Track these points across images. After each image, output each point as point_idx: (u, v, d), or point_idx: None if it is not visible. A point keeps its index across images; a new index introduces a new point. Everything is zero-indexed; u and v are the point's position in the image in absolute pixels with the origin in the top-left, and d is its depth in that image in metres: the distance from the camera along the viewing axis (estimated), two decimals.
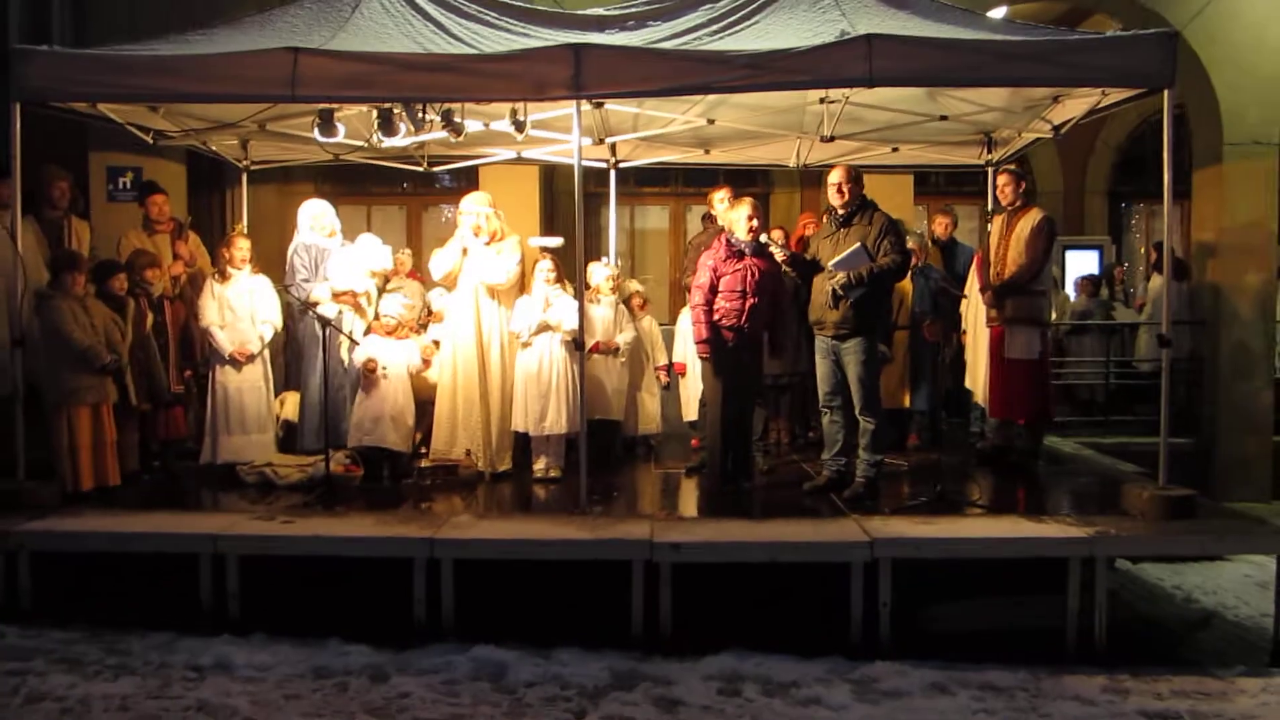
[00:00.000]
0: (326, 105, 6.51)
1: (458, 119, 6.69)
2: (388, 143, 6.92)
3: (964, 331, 7.93)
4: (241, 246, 7.27)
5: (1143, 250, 13.56)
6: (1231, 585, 6.84)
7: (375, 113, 6.72)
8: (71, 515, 5.91)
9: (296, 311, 7.40)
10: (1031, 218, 6.86)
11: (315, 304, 7.03)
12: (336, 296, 7.19)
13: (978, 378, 7.66)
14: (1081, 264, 12.15)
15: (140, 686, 4.73)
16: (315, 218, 7.51)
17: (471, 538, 5.52)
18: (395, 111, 6.53)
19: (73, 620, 5.46)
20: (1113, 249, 12.93)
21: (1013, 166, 7.35)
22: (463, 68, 5.80)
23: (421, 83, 5.87)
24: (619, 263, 9.32)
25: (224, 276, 7.16)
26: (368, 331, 7.18)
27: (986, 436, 7.89)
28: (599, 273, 7.50)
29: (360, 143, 7.66)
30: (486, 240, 6.94)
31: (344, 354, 7.19)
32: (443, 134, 6.89)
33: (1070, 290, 11.54)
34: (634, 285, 8.12)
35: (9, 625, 5.38)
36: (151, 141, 7.60)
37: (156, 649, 5.16)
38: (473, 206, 6.98)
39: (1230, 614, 6.31)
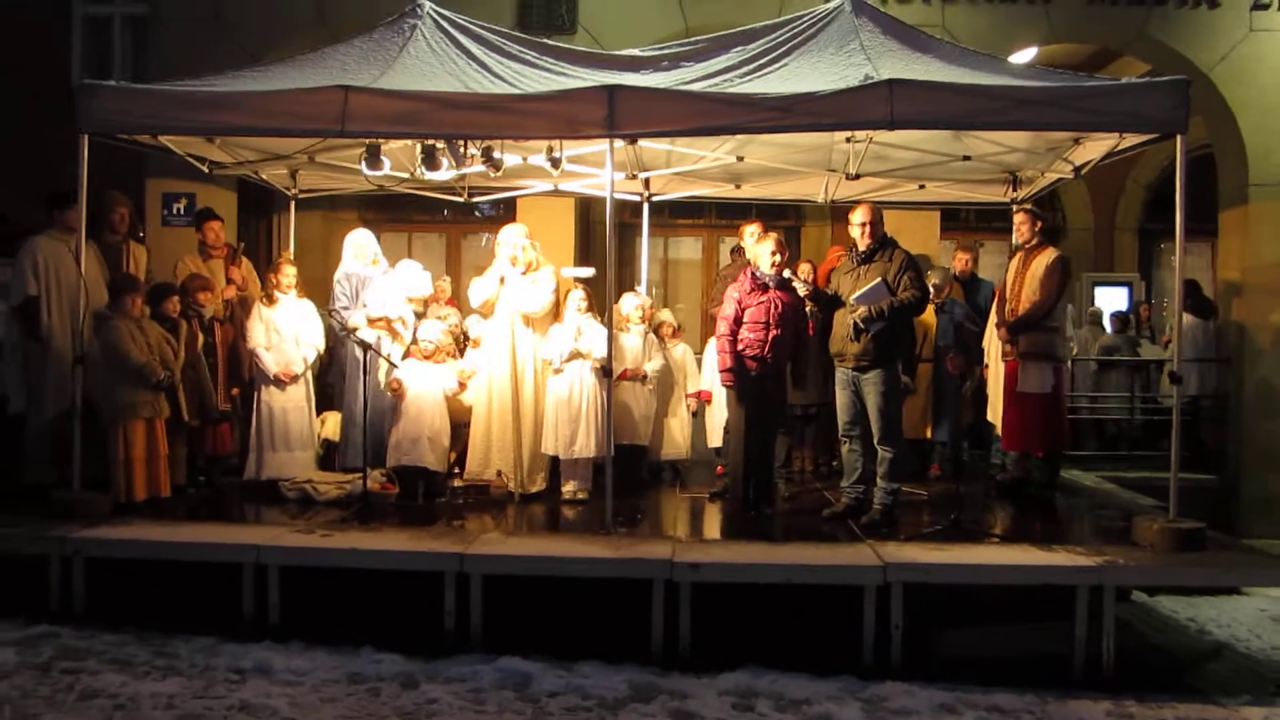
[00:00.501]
0: (374, 140, 6.83)
1: (497, 155, 7.01)
2: (430, 176, 7.22)
3: (986, 365, 8.11)
4: (288, 272, 7.59)
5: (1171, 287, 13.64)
6: (1245, 619, 6.96)
7: (419, 147, 7.04)
8: (124, 524, 6.23)
9: (338, 335, 7.72)
10: (1046, 256, 7.06)
11: (355, 329, 7.35)
12: (372, 322, 7.50)
13: (999, 410, 7.83)
14: (1111, 300, 12.29)
15: (186, 687, 5.01)
16: (358, 247, 7.86)
17: (500, 554, 5.77)
18: (438, 147, 6.85)
19: (123, 623, 5.76)
20: (1142, 286, 13.04)
21: (1029, 206, 7.54)
22: (502, 106, 6.11)
23: (463, 120, 6.18)
24: (653, 291, 9.57)
25: (271, 300, 7.49)
26: (406, 355, 7.48)
27: (1006, 468, 8.05)
28: (629, 303, 7.76)
29: (404, 174, 7.98)
30: (523, 270, 7.24)
31: (381, 377, 7.48)
32: (482, 168, 7.19)
33: (1106, 324, 11.66)
34: (664, 315, 8.37)
35: (64, 626, 5.69)
36: (207, 171, 7.98)
37: (201, 652, 5.45)
38: (510, 237, 7.28)
39: (1241, 646, 6.42)
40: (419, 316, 7.71)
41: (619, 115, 5.97)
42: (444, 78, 6.47)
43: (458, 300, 8.82)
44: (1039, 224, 7.26)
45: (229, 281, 7.88)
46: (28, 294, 7.14)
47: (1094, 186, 12.76)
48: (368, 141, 6.87)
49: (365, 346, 7.04)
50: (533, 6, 9.92)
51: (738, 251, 8.36)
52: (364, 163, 7.05)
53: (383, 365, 7.42)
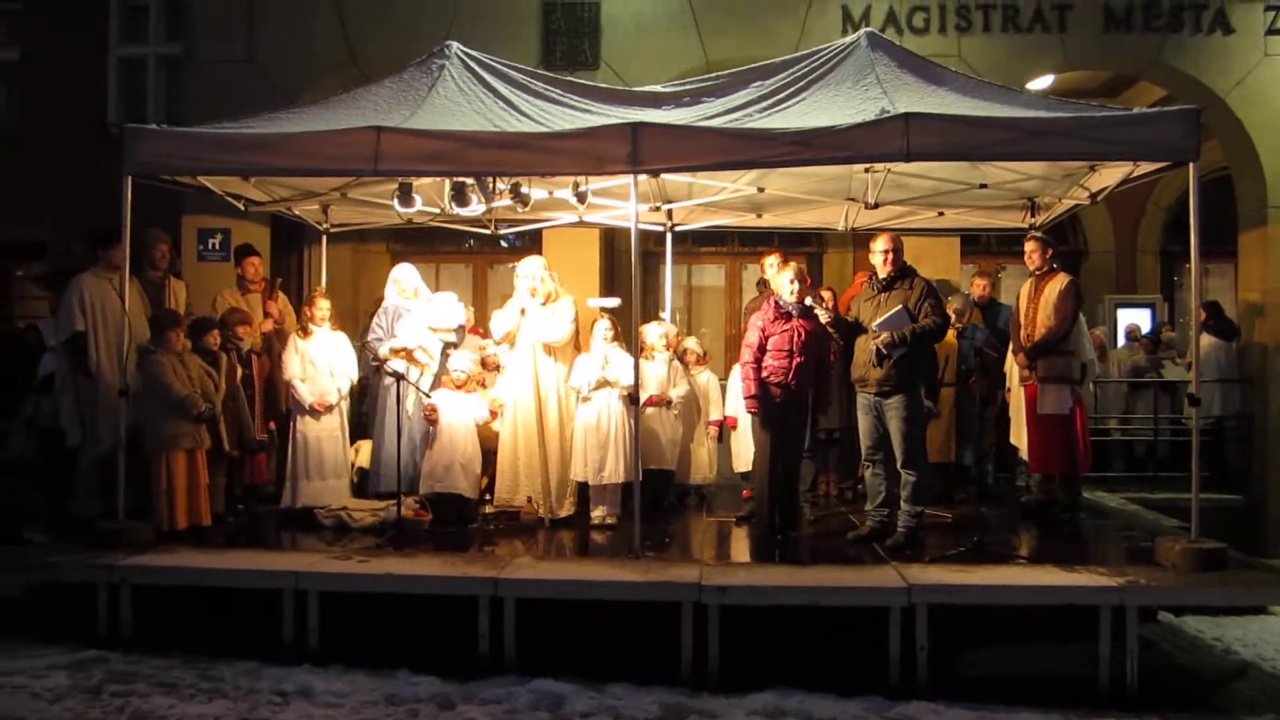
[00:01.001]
0: (405, 179, 7.05)
1: (525, 190, 7.21)
2: (460, 212, 7.43)
3: (1008, 389, 8.21)
4: (322, 306, 7.81)
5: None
6: (1272, 638, 7.02)
7: (449, 184, 7.26)
8: (167, 552, 6.43)
9: (372, 365, 7.93)
10: (1058, 282, 7.21)
11: (385, 359, 7.56)
12: (394, 352, 7.70)
13: (1021, 434, 7.93)
14: (1138, 322, 12.35)
15: (231, 709, 5.18)
16: (398, 282, 8.08)
17: (533, 578, 5.93)
18: (468, 184, 7.07)
19: (168, 648, 5.95)
20: (1164, 307, 13.09)
21: (1039, 234, 7.67)
22: (530, 144, 6.30)
23: (491, 158, 6.39)
24: (676, 318, 9.73)
25: (306, 333, 7.71)
26: (435, 385, 7.66)
27: (1031, 490, 8.12)
28: (653, 331, 7.92)
29: (434, 210, 8.20)
30: (542, 301, 7.43)
31: (410, 406, 7.66)
32: (509, 202, 7.40)
33: (1121, 340, 11.73)
34: (689, 343, 8.53)
35: (112, 651, 5.89)
36: (244, 209, 8.23)
37: (244, 675, 5.62)
38: (529, 269, 7.49)
39: (1267, 665, 6.48)
40: (454, 347, 7.88)
41: (643, 151, 6.16)
42: (472, 116, 6.66)
43: (481, 329, 9.02)
44: (1049, 251, 7.41)
45: (266, 315, 8.12)
46: (75, 329, 7.39)
47: (1115, 209, 12.85)
48: (399, 180, 7.08)
49: (397, 377, 7.23)
50: (557, 43, 10.17)
51: (763, 285, 8.51)
52: (396, 200, 7.29)
53: (413, 394, 7.60)
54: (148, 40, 12.68)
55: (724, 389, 8.46)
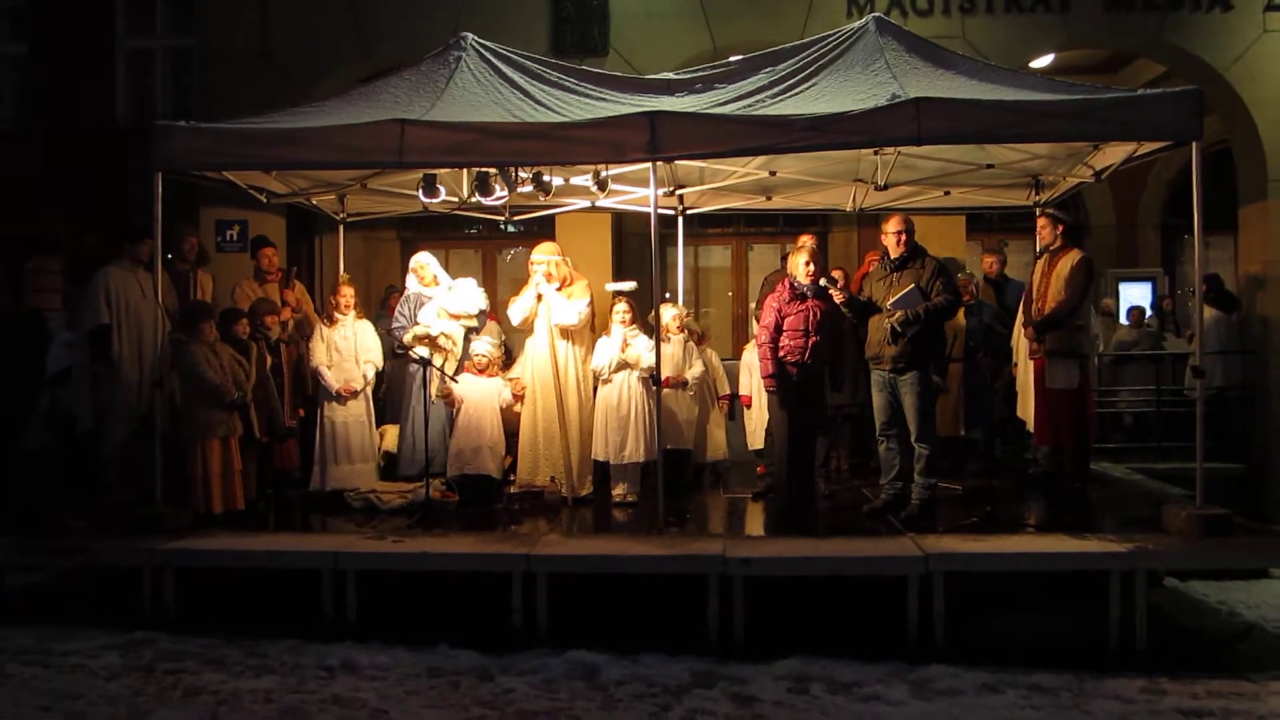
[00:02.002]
0: (429, 170, 7.22)
1: (546, 178, 7.39)
2: (485, 201, 7.59)
3: (1015, 364, 8.42)
4: (345, 294, 8.01)
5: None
6: (1275, 600, 7.24)
7: (473, 175, 7.43)
8: (205, 536, 6.64)
9: (396, 351, 8.12)
10: (1071, 258, 7.38)
11: (410, 346, 7.75)
12: (418, 339, 7.88)
13: (1028, 407, 8.13)
14: (1135, 296, 12.54)
15: (280, 683, 5.40)
16: (416, 270, 8.25)
17: (563, 554, 6.16)
18: (492, 174, 7.24)
19: (211, 627, 6.17)
20: (1165, 280, 13.28)
21: (1050, 210, 7.84)
22: (551, 134, 6.48)
23: (515, 149, 6.57)
24: (679, 300, 9.88)
25: (331, 321, 7.91)
26: (458, 370, 7.86)
27: (1038, 462, 8.33)
28: (666, 313, 8.10)
29: (454, 199, 8.35)
30: (558, 286, 7.62)
31: (433, 391, 7.84)
32: (529, 190, 7.57)
33: (1123, 318, 11.92)
34: (693, 323, 8.70)
35: (158, 632, 6.10)
36: (265, 201, 8.39)
37: (288, 652, 5.85)
38: (543, 256, 7.69)
39: (1271, 626, 6.69)
40: (475, 333, 8.06)
41: (661, 139, 6.34)
42: (490, 107, 6.84)
43: (495, 314, 9.20)
44: (1060, 227, 7.58)
45: (284, 304, 8.30)
46: (100, 322, 7.59)
47: (1116, 185, 13.00)
48: (425, 172, 7.25)
49: (423, 363, 7.43)
50: (566, 30, 10.29)
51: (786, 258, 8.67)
52: (421, 191, 7.47)
53: (437, 379, 7.79)
54: (155, 33, 12.76)
55: (733, 369, 8.64)
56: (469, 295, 8.19)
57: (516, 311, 7.72)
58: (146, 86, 12.88)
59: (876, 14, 7.36)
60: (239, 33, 10.56)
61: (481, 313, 8.10)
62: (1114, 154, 7.42)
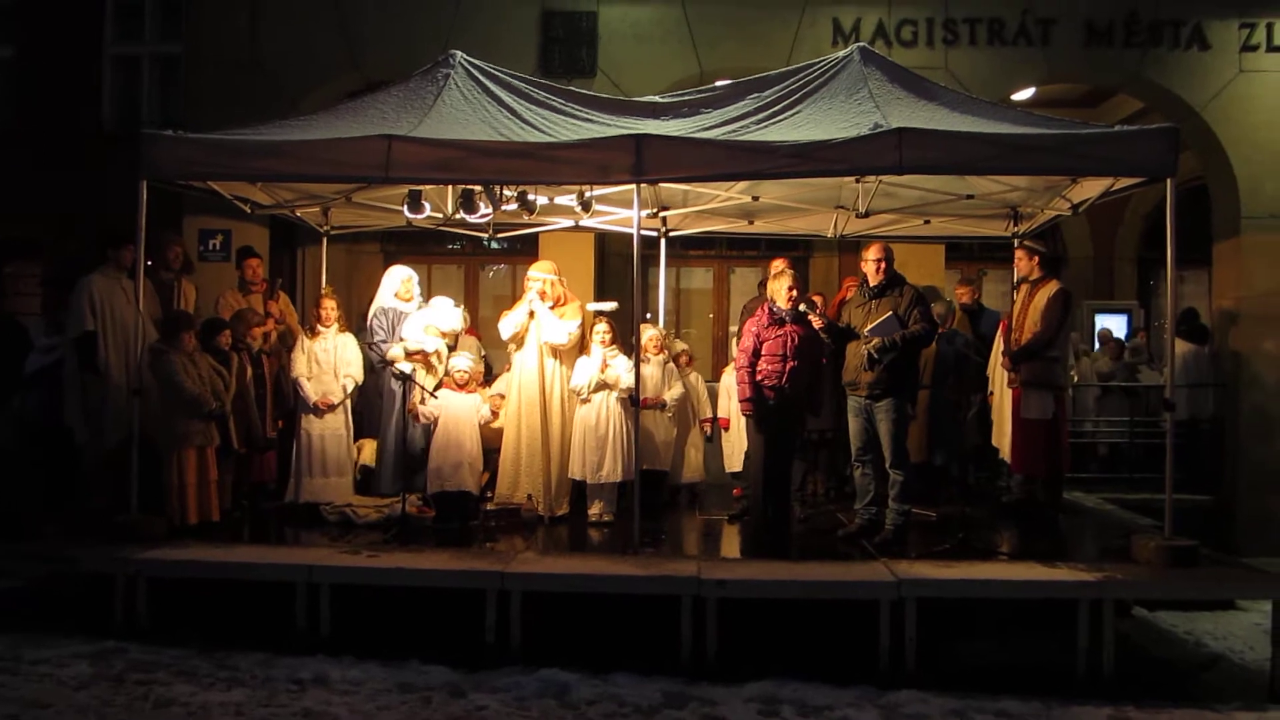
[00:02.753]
0: (415, 186, 7.26)
1: (531, 197, 7.44)
2: (469, 219, 7.63)
3: (991, 392, 8.51)
4: (327, 306, 8.02)
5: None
6: (1241, 632, 7.31)
7: (458, 192, 7.47)
8: (179, 547, 6.62)
9: (376, 367, 8.13)
10: (1049, 289, 7.49)
11: (394, 361, 7.76)
12: (409, 356, 7.89)
13: (1003, 435, 8.22)
14: (1112, 328, 12.69)
15: (251, 696, 5.39)
16: (397, 284, 8.28)
17: (539, 572, 6.17)
18: (477, 192, 7.29)
19: (183, 639, 6.14)
20: (1141, 313, 13.45)
21: (1029, 242, 7.95)
22: (537, 154, 6.53)
23: (501, 167, 6.61)
24: (660, 321, 9.94)
25: (314, 333, 7.92)
26: (439, 386, 7.87)
27: (1011, 490, 8.42)
28: (645, 334, 8.15)
29: (439, 215, 8.38)
30: (551, 304, 7.66)
31: (417, 407, 7.84)
32: (513, 208, 7.61)
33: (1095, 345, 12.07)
34: (680, 345, 8.77)
35: (130, 642, 6.07)
36: (250, 211, 8.40)
37: (260, 664, 5.83)
38: (540, 274, 7.73)
39: (1236, 657, 6.78)
40: (452, 350, 8.09)
41: (646, 162, 6.40)
42: (478, 125, 6.87)
43: (476, 330, 9.22)
44: (1038, 258, 7.69)
45: (267, 315, 8.30)
46: (85, 329, 7.58)
47: (1093, 218, 13.16)
48: (410, 187, 7.29)
49: (404, 378, 7.44)
50: (555, 51, 10.39)
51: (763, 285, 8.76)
52: (406, 206, 7.51)
53: (419, 395, 7.79)
54: (143, 40, 12.75)
55: (710, 390, 8.70)
56: (448, 313, 8.22)
57: (508, 326, 7.75)
58: (133, 92, 12.85)
59: (861, 44, 7.45)
60: (228, 41, 10.60)
61: (454, 331, 8.13)
62: (1091, 188, 7.53)
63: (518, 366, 7.76)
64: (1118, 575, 6.06)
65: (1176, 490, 6.50)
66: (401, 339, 7.96)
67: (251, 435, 7.67)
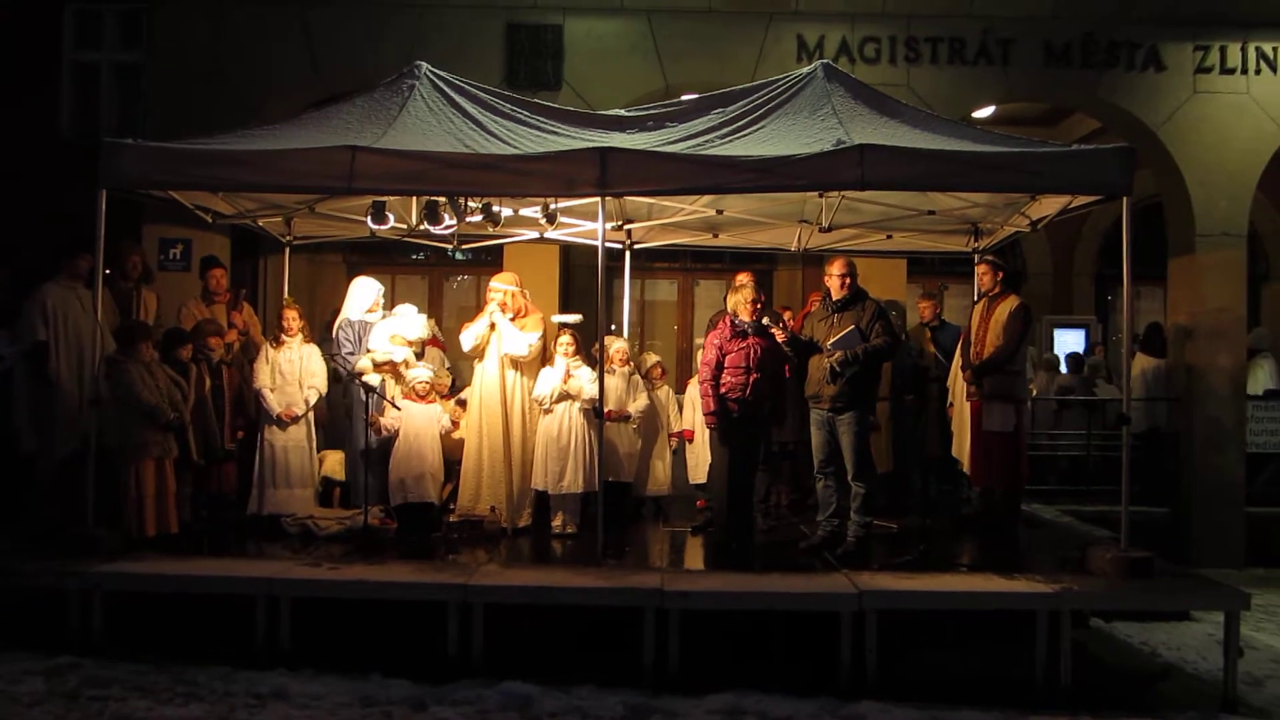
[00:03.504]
0: (378, 198, 7.23)
1: (496, 209, 7.44)
2: (433, 230, 7.61)
3: (951, 404, 8.60)
4: (289, 316, 7.96)
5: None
6: (1195, 643, 7.43)
7: (422, 203, 7.45)
8: (136, 560, 6.52)
9: (344, 378, 8.07)
10: (1009, 304, 7.58)
11: (361, 373, 7.71)
12: (378, 367, 7.85)
13: (964, 447, 8.31)
14: (1069, 342, 12.88)
15: (209, 711, 5.33)
16: (362, 295, 8.24)
17: (501, 584, 6.15)
18: (441, 203, 7.27)
19: (140, 653, 6.05)
20: (1098, 328, 13.66)
21: (991, 257, 8.05)
22: (502, 166, 6.52)
23: (465, 179, 6.60)
24: (625, 334, 9.97)
25: (278, 343, 7.85)
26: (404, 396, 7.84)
27: (972, 502, 8.50)
28: (612, 346, 8.16)
29: (403, 226, 8.35)
30: (512, 316, 7.66)
31: (385, 419, 7.78)
32: (478, 220, 7.61)
33: (1062, 367, 12.23)
34: (652, 358, 8.78)
35: (85, 657, 5.97)
36: (211, 221, 8.33)
37: (219, 679, 5.75)
38: (501, 285, 7.73)
39: (1190, 668, 6.89)
40: (418, 358, 8.05)
41: (611, 175, 6.42)
42: (443, 136, 6.87)
43: (441, 340, 9.19)
44: (999, 274, 7.78)
45: (231, 326, 8.23)
46: (37, 339, 7.47)
47: (1052, 234, 13.40)
48: (374, 198, 7.26)
49: (370, 390, 7.40)
50: (520, 64, 10.39)
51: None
52: (369, 217, 7.47)
53: (388, 407, 7.74)
54: (102, 47, 12.60)
55: (679, 403, 8.74)
56: (413, 322, 8.19)
57: (468, 337, 7.73)
58: (91, 100, 12.69)
59: (825, 60, 7.53)
60: (190, 49, 10.49)
61: (421, 340, 8.11)
62: (1050, 205, 7.65)
63: (479, 378, 7.75)
64: (1074, 587, 6.14)
65: (1134, 503, 6.62)
66: (369, 350, 7.91)
67: (210, 446, 7.59)
